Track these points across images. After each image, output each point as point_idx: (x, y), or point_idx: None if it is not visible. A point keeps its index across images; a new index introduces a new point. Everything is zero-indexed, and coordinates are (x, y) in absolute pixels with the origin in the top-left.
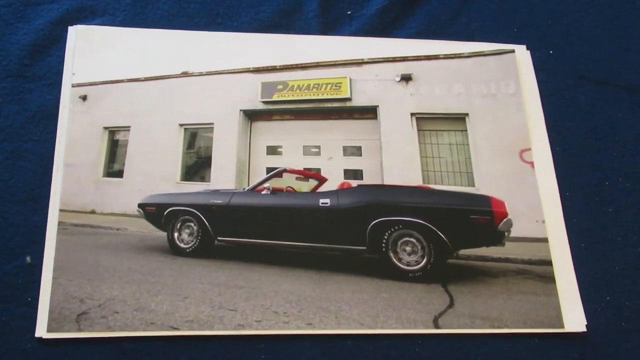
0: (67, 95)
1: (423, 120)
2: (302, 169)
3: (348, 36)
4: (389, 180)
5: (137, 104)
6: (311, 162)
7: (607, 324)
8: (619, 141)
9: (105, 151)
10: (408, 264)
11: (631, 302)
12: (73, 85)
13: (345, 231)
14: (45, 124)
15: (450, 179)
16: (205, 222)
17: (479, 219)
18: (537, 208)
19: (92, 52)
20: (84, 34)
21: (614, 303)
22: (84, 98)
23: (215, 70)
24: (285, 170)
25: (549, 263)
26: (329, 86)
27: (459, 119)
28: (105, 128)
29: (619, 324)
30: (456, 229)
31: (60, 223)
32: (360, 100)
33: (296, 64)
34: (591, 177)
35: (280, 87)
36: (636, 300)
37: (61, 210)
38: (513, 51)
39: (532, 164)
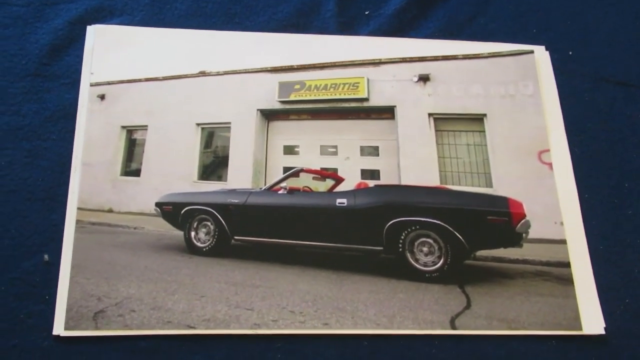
0: (85, 94)
1: (441, 120)
2: (319, 168)
3: (365, 36)
4: (406, 181)
5: (155, 103)
6: (328, 162)
7: (626, 327)
8: (638, 143)
9: (123, 150)
10: (425, 265)
11: None
12: (91, 85)
13: (362, 231)
14: (63, 123)
15: (467, 180)
16: (222, 221)
17: (497, 220)
18: (556, 209)
19: (111, 51)
20: (102, 33)
21: (633, 306)
22: (102, 97)
23: (233, 70)
24: (302, 170)
25: (567, 265)
26: (347, 86)
27: (476, 120)
28: (123, 127)
29: (638, 327)
30: (473, 230)
31: (78, 221)
32: (377, 100)
33: (313, 64)
34: (610, 178)
35: (297, 86)
36: None
37: (79, 209)
38: (532, 52)
39: (550, 165)
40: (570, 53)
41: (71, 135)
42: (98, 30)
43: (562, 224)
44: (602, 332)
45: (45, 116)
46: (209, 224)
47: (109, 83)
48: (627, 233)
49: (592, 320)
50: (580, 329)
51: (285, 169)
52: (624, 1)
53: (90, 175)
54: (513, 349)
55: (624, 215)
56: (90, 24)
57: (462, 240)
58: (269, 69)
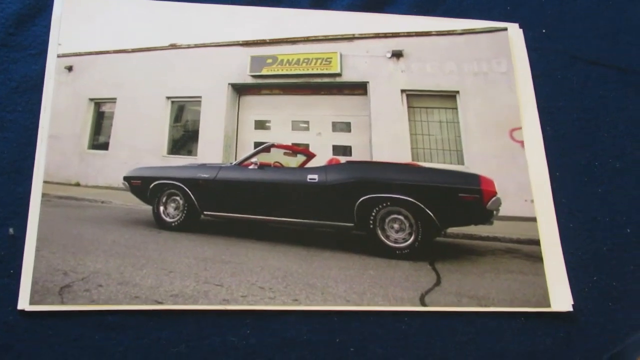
0: (52, 65)
1: (413, 97)
2: (290, 144)
3: (339, 11)
4: (378, 157)
5: (124, 76)
6: (300, 138)
7: (593, 304)
8: (610, 122)
9: (91, 123)
10: (395, 241)
11: (618, 283)
12: (59, 56)
13: (333, 207)
14: (30, 94)
15: (439, 157)
16: (192, 196)
17: (468, 197)
18: (527, 187)
19: (79, 21)
20: (70, 3)
21: (601, 283)
22: (70, 69)
23: (204, 43)
24: (273, 145)
25: (537, 242)
26: (319, 61)
27: (449, 97)
28: (91, 99)
29: (605, 304)
30: (444, 207)
31: (44, 195)
32: (350, 76)
33: (286, 38)
34: (581, 157)
35: (269, 61)
36: (623, 281)
37: (45, 182)
38: (506, 29)
39: (522, 143)
40: (544, 31)
41: (37, 107)
42: (66, 0)
43: (532, 201)
44: (570, 309)
45: (11, 87)
46: (178, 198)
47: (77, 54)
48: (597, 211)
49: (560, 297)
50: (549, 306)
51: (257, 144)
52: None
53: (57, 148)
54: (482, 326)
55: (593, 194)
56: None
57: (433, 217)
58: (241, 42)
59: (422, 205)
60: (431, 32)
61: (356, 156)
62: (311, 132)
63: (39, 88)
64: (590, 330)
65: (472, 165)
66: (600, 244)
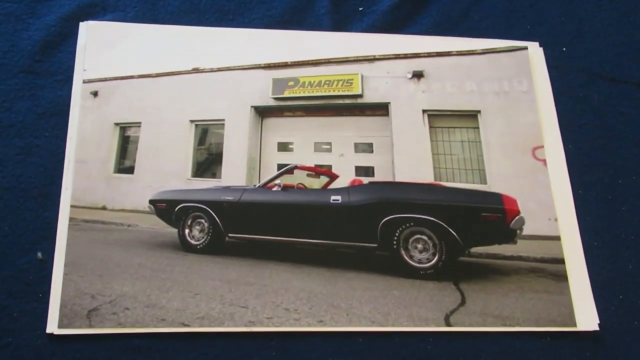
0: (78, 91)
1: (435, 117)
2: (313, 165)
3: (359, 32)
4: (400, 178)
5: (148, 100)
6: (322, 159)
7: (619, 323)
8: (632, 139)
9: (116, 147)
10: (419, 262)
11: None
12: (84, 81)
13: (356, 228)
14: (56, 120)
15: (462, 177)
16: (216, 218)
17: (491, 216)
18: (550, 206)
19: (103, 48)
20: (95, 29)
21: (627, 302)
22: (95, 94)
23: (226, 67)
24: (296, 167)
25: (561, 261)
26: (340, 83)
27: (471, 116)
28: (116, 124)
29: (631, 323)
30: (468, 227)
31: (71, 219)
32: (371, 97)
33: (307, 60)
34: (604, 175)
35: (291, 83)
36: None
37: (72, 207)
38: (526, 48)
39: (544, 161)
40: (564, 49)
41: (64, 132)
42: (91, 27)
43: (556, 220)
44: (596, 328)
45: (38, 113)
46: (203, 221)
47: (102, 80)
48: (621, 229)
49: (586, 316)
50: (575, 325)
51: (280, 166)
52: None
53: (84, 172)
54: (507, 346)
55: (617, 212)
56: (82, 20)
57: (457, 237)
58: (263, 65)
59: (445, 225)
60: (451, 52)
61: (379, 177)
62: (334, 154)
63: (65, 113)
64: (616, 350)
65: (494, 184)
66: (626, 262)
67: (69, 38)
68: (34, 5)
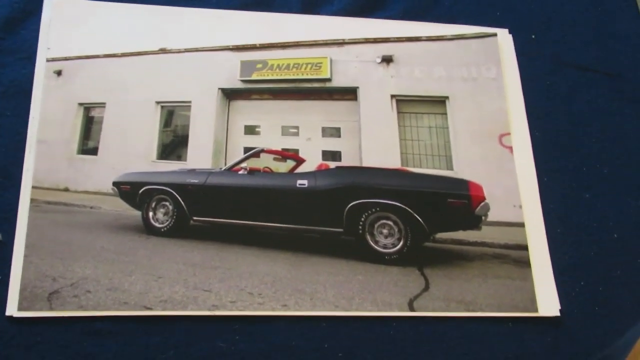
0: (41, 70)
1: (403, 102)
2: (280, 149)
3: (329, 16)
4: (367, 163)
5: (113, 80)
6: (289, 143)
7: (580, 309)
8: (598, 127)
9: (80, 128)
10: (384, 247)
11: (605, 288)
12: (48, 60)
13: (322, 213)
14: (18, 99)
15: (429, 162)
16: (181, 201)
17: (457, 202)
18: (515, 193)
19: (68, 26)
20: (60, 6)
21: (588, 288)
22: (59, 73)
23: (194, 48)
24: (262, 151)
25: (525, 248)
26: (309, 66)
27: (439, 102)
28: (80, 104)
29: (592, 309)
30: (433, 212)
31: (32, 200)
32: (340, 81)
33: (276, 43)
34: (569, 162)
35: (259, 66)
36: (610, 286)
37: (34, 188)
38: (495, 35)
39: (511, 148)
40: (533, 37)
41: (26, 112)
42: (56, 4)
43: (520, 207)
44: (557, 314)
45: (0, 92)
46: (167, 204)
47: (66, 59)
48: (584, 216)
49: (547, 302)
50: (536, 310)
51: (246, 149)
52: None
53: (46, 153)
54: (470, 331)
55: (581, 199)
56: None
57: (422, 222)
58: (231, 47)
59: (411, 211)
60: (421, 37)
61: (346, 161)
62: (301, 138)
63: (27, 93)
64: (577, 335)
65: (461, 170)
66: (588, 249)
67: (33, 15)
68: None
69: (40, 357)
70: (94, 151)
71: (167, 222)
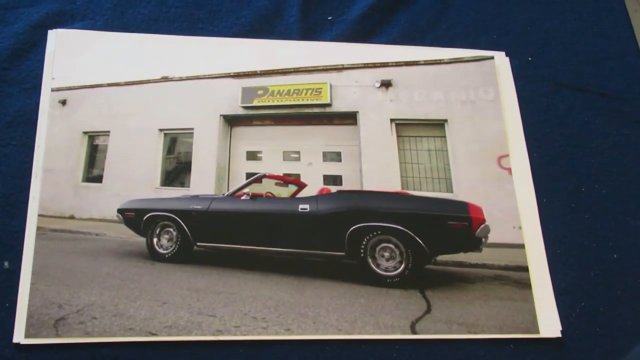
0: (46, 99)
1: (402, 126)
2: (281, 174)
3: (328, 42)
4: (368, 186)
5: (117, 109)
6: (291, 168)
7: (581, 330)
8: (596, 148)
9: (85, 156)
10: (386, 270)
11: (605, 308)
12: (52, 90)
13: (324, 237)
14: (24, 128)
15: (429, 185)
16: (185, 227)
17: (457, 225)
18: (514, 214)
19: (72, 56)
20: (63, 37)
21: (589, 309)
22: (64, 102)
23: (196, 75)
24: (264, 176)
25: (525, 269)
26: (309, 91)
27: (438, 125)
28: (85, 133)
29: (593, 330)
30: (434, 235)
31: (38, 228)
32: (340, 105)
33: (277, 69)
34: (568, 183)
35: (260, 92)
36: (610, 306)
37: (40, 216)
38: (492, 58)
39: (509, 170)
40: (530, 59)
41: (32, 141)
42: (59, 35)
43: (520, 228)
44: (559, 335)
45: (6, 122)
46: (171, 230)
47: (70, 88)
48: (584, 237)
49: (548, 323)
50: (538, 332)
51: (248, 175)
52: (583, 8)
53: (52, 181)
54: (472, 353)
55: (581, 220)
56: (51, 28)
57: (423, 245)
58: (232, 74)
59: (412, 234)
60: (419, 61)
61: (347, 185)
62: (302, 162)
63: (33, 122)
64: (578, 356)
65: (460, 192)
66: (588, 270)
67: (38, 46)
68: (2, 12)
69: None
70: (98, 179)
71: (171, 248)
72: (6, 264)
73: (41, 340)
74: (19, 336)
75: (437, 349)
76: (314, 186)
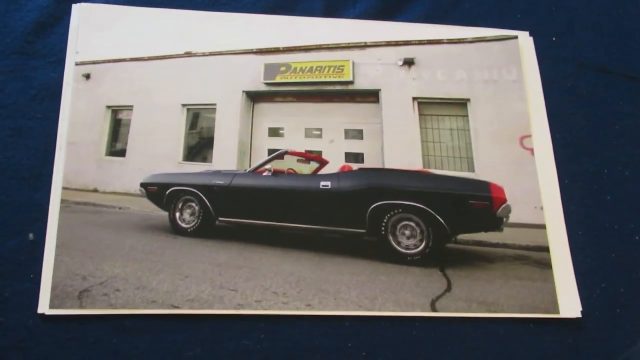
0: (70, 73)
1: (424, 104)
2: (303, 151)
3: (352, 19)
4: (389, 164)
5: (140, 84)
6: (313, 145)
7: (601, 311)
8: (619, 130)
9: (108, 130)
10: (407, 248)
11: (626, 289)
12: (76, 64)
13: (345, 214)
14: (48, 102)
15: (450, 164)
16: (207, 202)
17: (478, 204)
18: (536, 195)
19: (96, 30)
20: (87, 11)
21: (609, 290)
22: (87, 76)
23: (219, 51)
24: (286, 152)
25: (546, 249)
26: (332, 69)
27: (460, 105)
28: (108, 107)
29: (613, 311)
30: (455, 214)
31: (62, 201)
32: (362, 83)
33: (299, 46)
34: (590, 165)
35: (283, 68)
36: (631, 288)
37: (64, 188)
38: (516, 37)
39: (532, 150)
40: (554, 39)
41: (56, 115)
42: (83, 9)
43: (542, 208)
44: (579, 315)
45: (30, 95)
46: (193, 204)
47: (94, 62)
48: (605, 219)
49: (569, 303)
50: (558, 312)
51: (270, 151)
52: None
53: (75, 154)
54: (491, 332)
55: (602, 201)
56: (75, 2)
57: (444, 223)
58: (255, 50)
59: (433, 212)
60: (442, 40)
61: (368, 163)
62: (324, 140)
63: (57, 95)
64: (598, 337)
65: (482, 172)
66: (609, 251)
67: (62, 20)
68: None
69: (70, 354)
70: (122, 153)
71: (194, 223)
72: (31, 235)
73: (65, 311)
74: (43, 307)
75: (457, 327)
76: (335, 163)
